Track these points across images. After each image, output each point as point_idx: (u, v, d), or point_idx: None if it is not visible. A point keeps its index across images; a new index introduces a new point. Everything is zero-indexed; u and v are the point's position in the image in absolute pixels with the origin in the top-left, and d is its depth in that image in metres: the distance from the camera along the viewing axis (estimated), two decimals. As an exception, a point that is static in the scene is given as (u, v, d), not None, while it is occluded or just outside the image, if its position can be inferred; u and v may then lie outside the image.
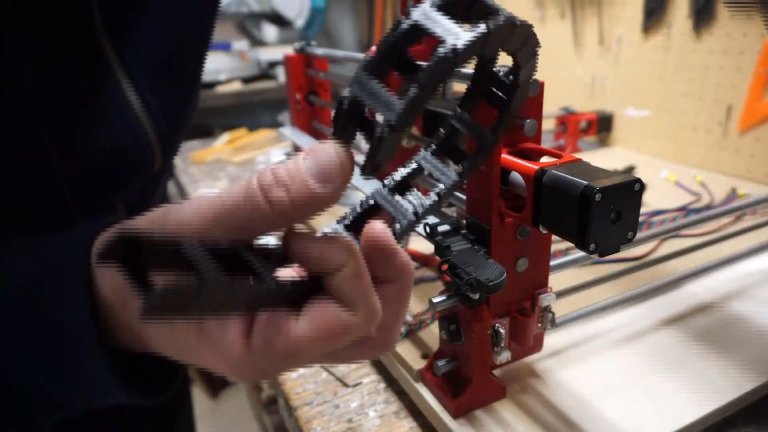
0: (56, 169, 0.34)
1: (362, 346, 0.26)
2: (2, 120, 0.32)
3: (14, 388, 0.25)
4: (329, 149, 0.22)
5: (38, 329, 0.24)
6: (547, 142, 1.21)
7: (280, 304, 0.23)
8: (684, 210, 0.82)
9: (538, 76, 0.37)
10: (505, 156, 0.38)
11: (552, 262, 0.46)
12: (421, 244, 0.71)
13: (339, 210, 0.88)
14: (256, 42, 2.24)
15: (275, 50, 2.08)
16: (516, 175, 0.38)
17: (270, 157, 1.35)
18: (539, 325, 0.45)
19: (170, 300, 0.17)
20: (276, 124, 1.84)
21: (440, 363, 0.45)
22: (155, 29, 0.39)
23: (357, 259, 0.23)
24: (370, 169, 0.23)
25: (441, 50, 0.22)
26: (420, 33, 0.23)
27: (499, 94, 0.30)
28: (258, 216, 0.21)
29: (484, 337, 0.42)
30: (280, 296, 0.23)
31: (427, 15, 0.23)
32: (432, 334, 0.53)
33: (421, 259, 0.69)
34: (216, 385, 2.03)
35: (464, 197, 0.43)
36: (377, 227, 0.25)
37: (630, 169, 1.05)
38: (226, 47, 2.10)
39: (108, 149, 0.37)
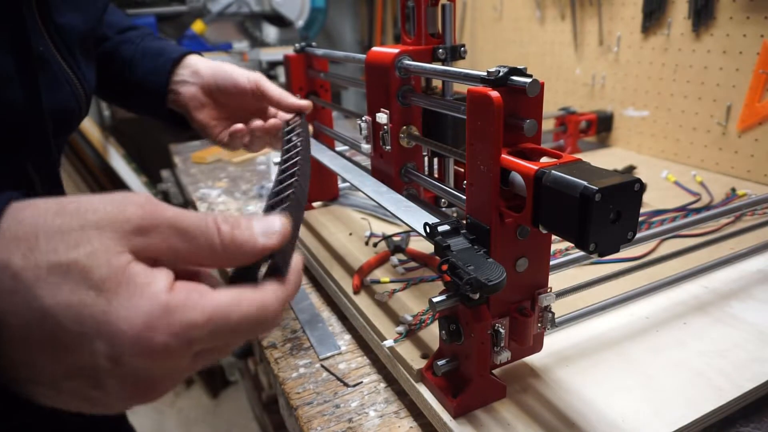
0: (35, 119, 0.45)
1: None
2: None
3: None
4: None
5: None
6: (547, 143, 1.21)
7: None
8: (684, 210, 0.82)
9: (538, 76, 0.37)
10: (505, 156, 0.38)
11: (552, 262, 0.46)
12: (421, 244, 0.71)
13: (339, 209, 0.88)
14: (257, 42, 2.24)
15: (275, 51, 2.08)
16: (516, 175, 0.38)
17: (270, 157, 1.35)
18: (539, 325, 0.45)
19: None
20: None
21: (440, 363, 0.45)
22: (71, 16, 0.51)
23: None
24: None
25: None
26: None
27: None
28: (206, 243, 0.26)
29: (484, 337, 0.42)
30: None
31: None
32: (432, 334, 0.53)
33: (421, 259, 0.69)
34: (216, 385, 2.03)
35: (464, 197, 0.43)
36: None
37: (630, 169, 1.05)
38: (226, 48, 2.10)
39: (63, 106, 0.49)
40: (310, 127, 0.69)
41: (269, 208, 0.32)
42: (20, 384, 0.23)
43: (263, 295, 0.26)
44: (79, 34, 0.54)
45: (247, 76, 0.66)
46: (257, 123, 0.67)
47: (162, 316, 0.23)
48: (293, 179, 0.36)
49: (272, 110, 0.70)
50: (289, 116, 0.66)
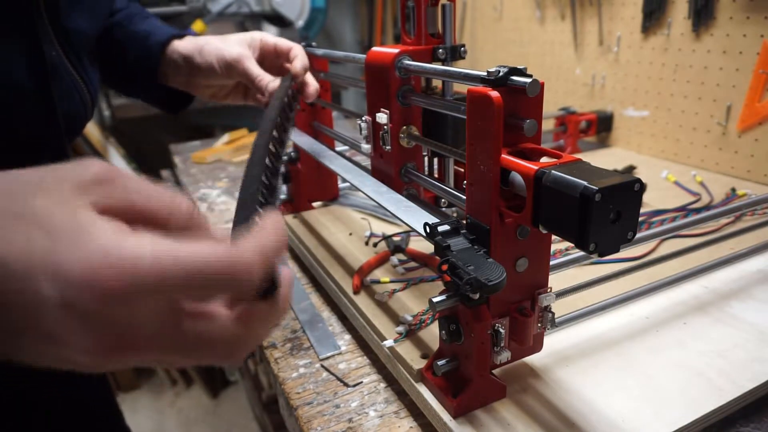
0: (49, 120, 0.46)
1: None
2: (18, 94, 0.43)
3: None
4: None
5: None
6: (547, 143, 1.21)
7: None
8: (684, 210, 0.82)
9: (538, 76, 0.37)
10: (505, 156, 0.38)
11: (552, 262, 0.46)
12: (421, 244, 0.71)
13: (339, 210, 0.88)
14: (257, 42, 2.24)
15: (275, 51, 2.08)
16: (516, 175, 0.38)
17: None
18: (539, 325, 0.45)
19: None
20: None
21: (440, 363, 0.45)
22: (80, 21, 0.52)
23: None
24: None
25: None
26: None
27: None
28: None
29: (484, 337, 0.42)
30: None
31: None
32: (432, 334, 0.53)
33: (421, 259, 0.69)
34: (216, 385, 2.03)
35: (464, 197, 0.43)
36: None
37: (630, 169, 1.05)
38: (226, 47, 2.10)
39: (73, 113, 0.50)
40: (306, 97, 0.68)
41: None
42: None
43: (239, 251, 0.23)
44: (87, 38, 0.54)
45: (221, 67, 0.64)
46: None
47: (107, 258, 0.21)
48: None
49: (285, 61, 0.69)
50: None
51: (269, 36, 0.69)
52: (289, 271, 0.28)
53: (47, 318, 0.21)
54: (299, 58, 0.67)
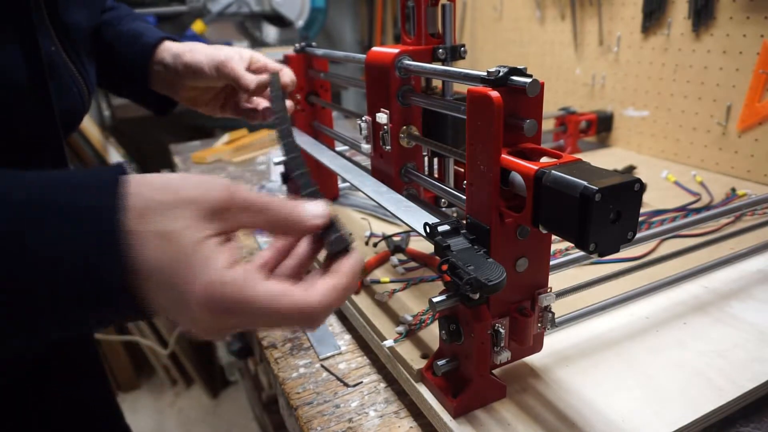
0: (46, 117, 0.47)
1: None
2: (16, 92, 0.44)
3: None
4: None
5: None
6: (547, 143, 1.21)
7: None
8: (684, 210, 0.82)
9: (538, 76, 0.37)
10: (505, 156, 0.38)
11: (552, 262, 0.46)
12: (421, 244, 0.71)
13: (339, 210, 0.88)
14: (257, 42, 2.24)
15: (276, 51, 2.08)
16: (516, 175, 0.38)
17: (270, 158, 1.35)
18: (539, 325, 0.45)
19: None
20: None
21: (440, 363, 0.45)
22: (77, 15, 0.52)
23: None
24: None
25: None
26: None
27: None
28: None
29: (484, 337, 0.42)
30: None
31: None
32: (432, 334, 0.53)
33: (421, 259, 0.69)
34: (216, 385, 2.03)
35: (464, 197, 0.43)
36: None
37: (630, 169, 1.05)
38: (226, 48, 2.10)
39: (70, 108, 0.51)
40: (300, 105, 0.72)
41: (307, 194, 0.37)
42: (146, 299, 0.31)
43: (306, 297, 0.31)
44: (84, 32, 0.54)
45: (217, 55, 0.67)
46: (243, 106, 0.71)
47: (213, 287, 0.29)
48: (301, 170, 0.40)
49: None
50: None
51: (261, 55, 0.70)
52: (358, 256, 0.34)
53: (177, 307, 0.30)
54: (287, 72, 0.70)
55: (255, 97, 0.73)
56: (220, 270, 0.30)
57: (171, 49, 0.69)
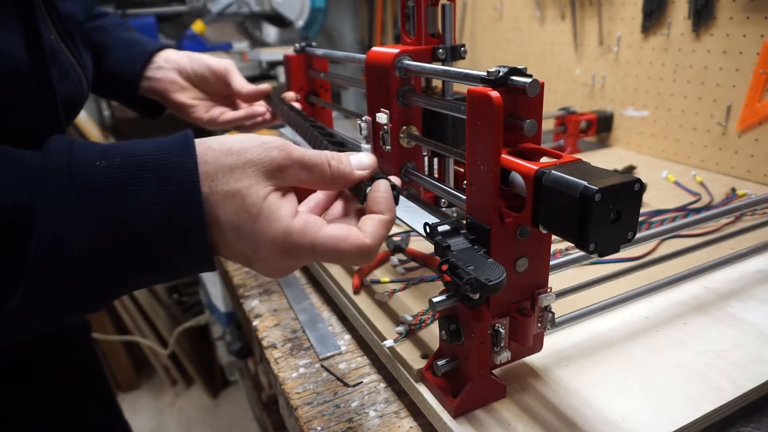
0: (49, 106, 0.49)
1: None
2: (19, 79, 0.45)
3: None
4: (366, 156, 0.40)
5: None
6: (547, 143, 1.21)
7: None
8: (684, 210, 0.82)
9: (538, 76, 0.37)
10: (505, 156, 0.38)
11: (552, 262, 0.46)
12: (421, 244, 0.71)
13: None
14: (257, 42, 2.23)
15: (276, 51, 2.07)
16: (516, 175, 0.38)
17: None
18: (539, 325, 0.45)
19: None
20: (276, 125, 1.83)
21: (440, 363, 0.45)
22: (72, 5, 0.54)
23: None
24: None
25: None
26: None
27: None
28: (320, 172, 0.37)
29: (484, 337, 0.42)
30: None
31: None
32: (432, 334, 0.53)
33: (421, 259, 0.69)
34: (216, 385, 2.03)
35: (464, 197, 0.43)
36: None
37: (630, 169, 1.05)
38: (226, 48, 2.10)
39: (72, 95, 0.53)
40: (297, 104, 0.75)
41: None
42: (219, 250, 0.35)
43: (361, 237, 0.35)
44: (78, 22, 0.55)
45: (218, 62, 0.73)
46: (229, 114, 0.75)
47: (283, 235, 0.34)
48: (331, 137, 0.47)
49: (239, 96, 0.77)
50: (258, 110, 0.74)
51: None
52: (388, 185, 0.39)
53: (248, 255, 0.36)
54: (249, 85, 0.75)
55: (247, 106, 0.77)
56: (286, 219, 0.34)
57: (171, 55, 0.71)
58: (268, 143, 0.35)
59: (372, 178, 0.39)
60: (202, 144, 0.34)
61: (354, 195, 0.40)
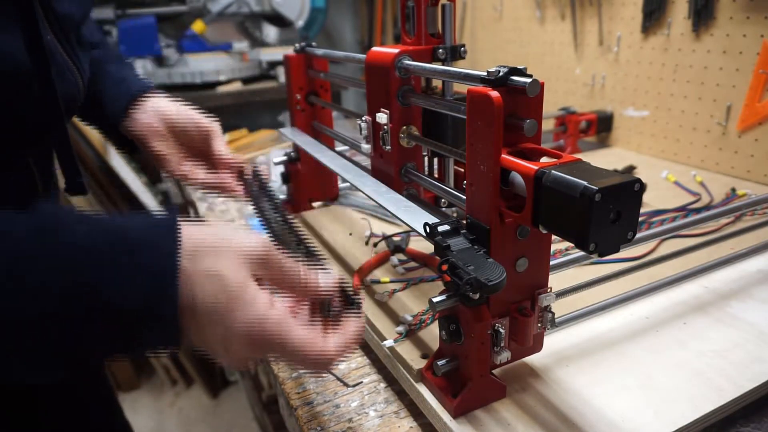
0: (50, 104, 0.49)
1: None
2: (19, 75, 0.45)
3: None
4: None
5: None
6: (547, 143, 1.21)
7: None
8: (684, 210, 0.82)
9: (538, 76, 0.37)
10: (505, 156, 0.38)
11: (552, 262, 0.46)
12: (421, 244, 0.71)
13: (339, 210, 0.88)
14: (257, 42, 2.23)
15: (276, 51, 2.07)
16: (516, 175, 0.38)
17: (270, 158, 1.35)
18: (539, 325, 0.45)
19: None
20: (276, 125, 1.83)
21: (440, 363, 0.45)
22: (69, 6, 0.53)
23: None
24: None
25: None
26: None
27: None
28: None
29: (484, 337, 0.42)
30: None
31: None
32: (432, 334, 0.53)
33: (421, 259, 0.69)
34: (216, 385, 2.03)
35: (464, 197, 0.43)
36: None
37: (630, 169, 1.05)
38: (226, 48, 2.10)
39: (70, 95, 0.53)
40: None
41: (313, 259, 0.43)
42: (190, 336, 0.34)
43: (326, 348, 0.36)
44: (75, 24, 0.55)
45: (206, 121, 0.71)
46: (201, 176, 0.72)
47: (258, 324, 0.34)
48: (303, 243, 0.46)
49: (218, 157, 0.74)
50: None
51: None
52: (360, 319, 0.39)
53: (219, 341, 0.34)
54: (227, 155, 0.74)
55: (221, 172, 0.74)
56: (263, 309, 0.34)
57: (159, 102, 0.69)
58: (253, 236, 0.36)
59: (344, 293, 0.40)
60: (190, 229, 0.34)
61: (320, 306, 0.41)
